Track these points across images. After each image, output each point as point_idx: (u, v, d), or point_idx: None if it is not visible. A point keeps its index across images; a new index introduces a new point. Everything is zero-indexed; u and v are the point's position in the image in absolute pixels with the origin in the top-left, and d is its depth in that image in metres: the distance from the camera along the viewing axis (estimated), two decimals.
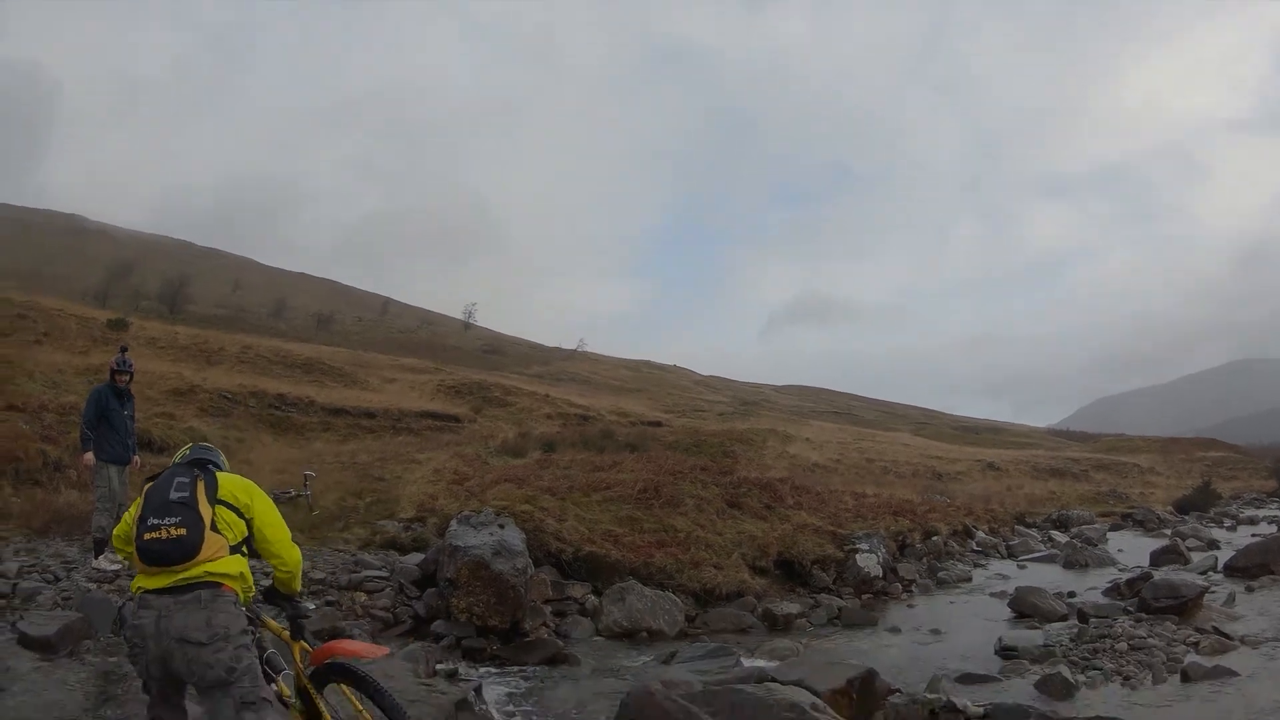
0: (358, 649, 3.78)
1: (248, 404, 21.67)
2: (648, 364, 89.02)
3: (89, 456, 8.14)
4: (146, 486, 3.57)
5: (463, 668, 7.83)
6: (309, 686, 3.74)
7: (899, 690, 6.71)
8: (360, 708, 3.75)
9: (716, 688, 5.93)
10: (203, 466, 3.69)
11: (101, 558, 8.09)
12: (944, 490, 25.87)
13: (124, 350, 8.87)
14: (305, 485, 11.96)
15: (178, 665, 3.25)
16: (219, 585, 3.32)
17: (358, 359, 37.13)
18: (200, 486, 3.46)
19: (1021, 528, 19.66)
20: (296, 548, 3.71)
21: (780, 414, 54.30)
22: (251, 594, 3.56)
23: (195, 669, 3.24)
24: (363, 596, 8.87)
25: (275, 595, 3.84)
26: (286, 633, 3.91)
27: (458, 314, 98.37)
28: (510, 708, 6.77)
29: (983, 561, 15.56)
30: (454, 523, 9.83)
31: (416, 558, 9.93)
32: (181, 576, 3.28)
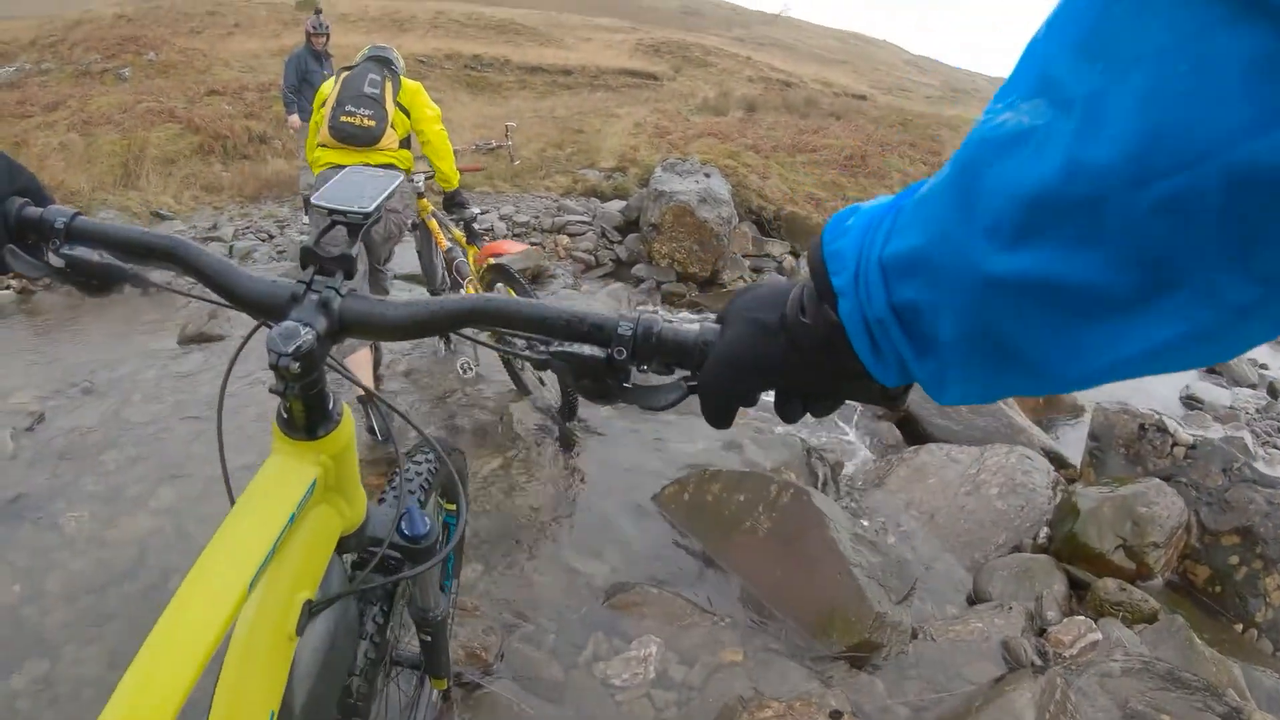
0: (504, 247, 4.09)
1: (443, 66, 21.45)
2: (856, 36, 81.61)
3: (294, 118, 8.07)
4: (343, 74, 4.00)
5: (662, 310, 7.78)
6: (478, 286, 4.18)
7: (1083, 407, 6.52)
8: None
9: None
10: (386, 65, 4.08)
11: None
12: None
13: (318, 12, 8.47)
14: (506, 136, 11.72)
15: (377, 225, 3.69)
16: (397, 168, 3.91)
17: (552, 19, 35.76)
18: (388, 87, 3.93)
19: None
20: (443, 130, 4.08)
21: None
22: (412, 169, 4.16)
23: (390, 229, 4.00)
24: (565, 239, 8.81)
25: (450, 203, 4.30)
26: (464, 237, 4.42)
27: None
28: None
29: None
30: (658, 169, 9.38)
31: (618, 204, 9.69)
32: (370, 158, 3.85)
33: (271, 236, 8.19)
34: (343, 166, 3.54)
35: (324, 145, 3.93)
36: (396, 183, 0.95)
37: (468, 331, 0.87)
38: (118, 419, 4.12)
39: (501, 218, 9.04)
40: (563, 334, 0.74)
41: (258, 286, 0.87)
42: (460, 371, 4.25)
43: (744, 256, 9.38)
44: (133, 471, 3.61)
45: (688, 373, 0.71)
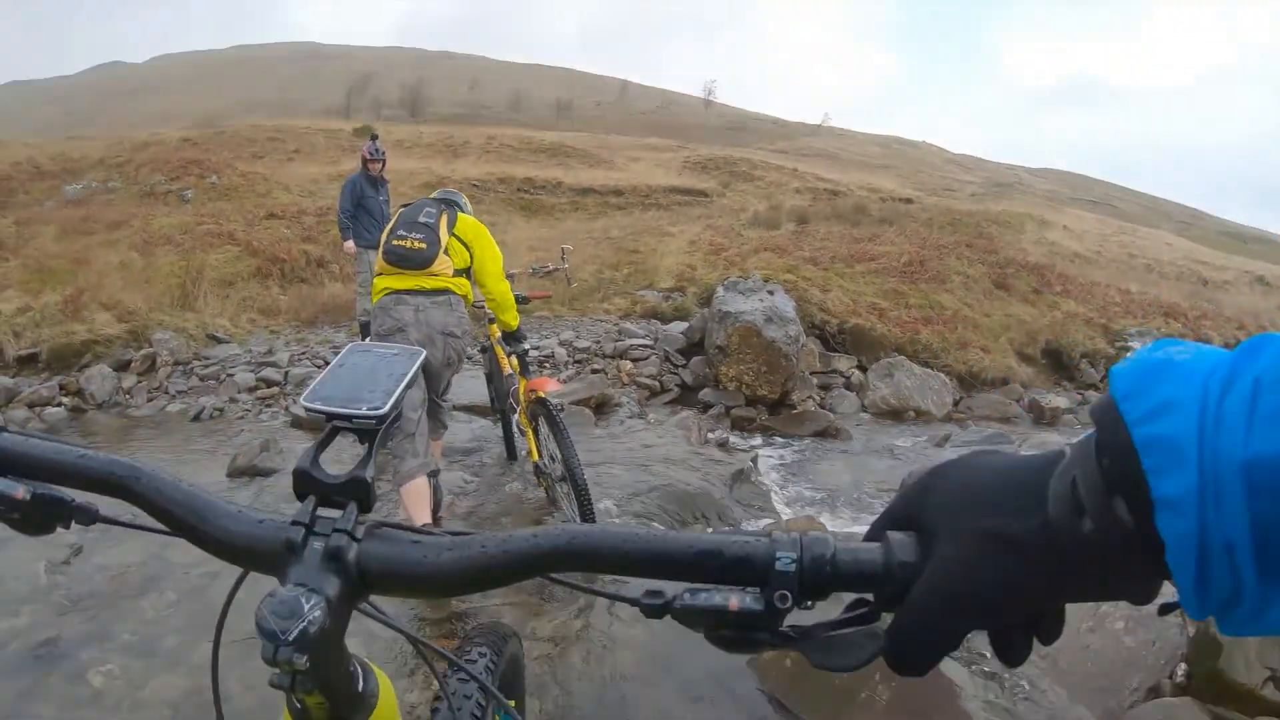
0: (546, 385, 4.17)
1: (497, 190, 22.03)
2: (896, 140, 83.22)
3: (350, 244, 8.09)
4: (401, 208, 4.16)
5: (733, 437, 7.45)
6: (524, 418, 4.39)
7: None
8: (549, 437, 4.22)
9: None
10: (449, 204, 4.25)
11: (369, 339, 8.17)
12: (1210, 299, 22.23)
13: (374, 138, 8.61)
14: (562, 259, 11.73)
15: (436, 351, 3.95)
16: (454, 293, 4.01)
17: (600, 141, 36.88)
18: (443, 219, 4.04)
19: None
20: (506, 282, 4.20)
21: (1035, 199, 49.32)
22: (470, 299, 4.22)
23: (449, 355, 4.02)
24: (628, 365, 8.60)
25: (509, 337, 4.41)
26: (518, 368, 4.52)
27: (697, 93, 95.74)
28: (784, 480, 6.27)
29: None
30: (720, 289, 9.21)
31: (680, 326, 9.49)
32: (424, 282, 3.92)
33: (327, 363, 8.08)
34: (399, 291, 3.94)
35: (380, 272, 4.07)
36: (418, 363, 0.72)
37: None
38: (159, 558, 3.88)
39: (562, 343, 8.88)
40: (692, 574, 0.54)
41: (240, 529, 0.64)
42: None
43: (811, 374, 9.07)
44: (172, 620, 3.35)
45: (864, 596, 0.53)
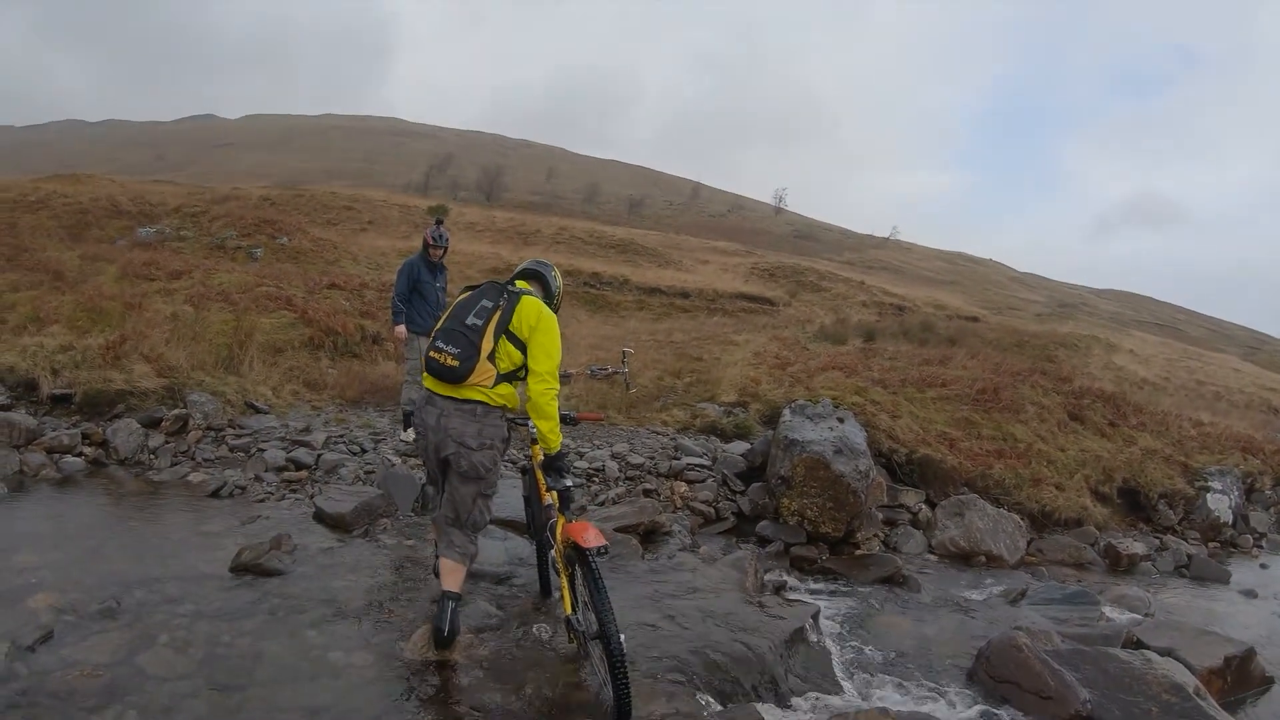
0: (588, 535, 3.73)
1: (563, 282, 22.08)
2: (962, 256, 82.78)
3: (400, 329, 7.83)
4: (461, 296, 4.01)
5: (791, 579, 6.86)
6: (560, 561, 4.03)
7: (1273, 678, 5.64)
8: (584, 591, 3.89)
9: (1085, 648, 5.08)
10: (536, 278, 4.22)
11: (410, 430, 7.71)
12: None
13: (439, 222, 8.40)
14: (623, 362, 11.41)
15: (448, 455, 3.91)
16: (485, 404, 3.88)
17: (670, 240, 37.12)
18: (495, 319, 3.84)
19: None
20: (550, 385, 3.89)
21: (1099, 319, 48.41)
22: (515, 407, 4.06)
23: (462, 463, 3.91)
24: (683, 487, 8.09)
25: (548, 467, 4.10)
26: (556, 503, 4.14)
27: (767, 198, 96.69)
28: (846, 638, 5.63)
29: None
30: (787, 412, 8.74)
31: (740, 446, 9.00)
32: (456, 392, 3.85)
33: (364, 451, 7.69)
34: (437, 396, 3.93)
35: (424, 370, 3.96)
36: None
37: None
38: (131, 665, 3.56)
39: (614, 456, 8.46)
40: None
41: None
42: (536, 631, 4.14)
43: (876, 508, 8.48)
44: None
45: None
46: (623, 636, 3.54)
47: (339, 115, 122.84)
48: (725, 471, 8.42)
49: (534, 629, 4.44)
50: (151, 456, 7.16)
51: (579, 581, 3.93)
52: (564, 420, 4.41)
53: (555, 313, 4.19)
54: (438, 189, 63.10)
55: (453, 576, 3.99)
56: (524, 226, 31.52)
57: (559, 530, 4.03)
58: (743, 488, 8.27)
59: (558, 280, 4.38)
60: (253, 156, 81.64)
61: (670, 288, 23.40)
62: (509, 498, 6.69)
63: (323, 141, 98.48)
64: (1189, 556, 9.08)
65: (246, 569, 4.78)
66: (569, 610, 3.99)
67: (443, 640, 3.90)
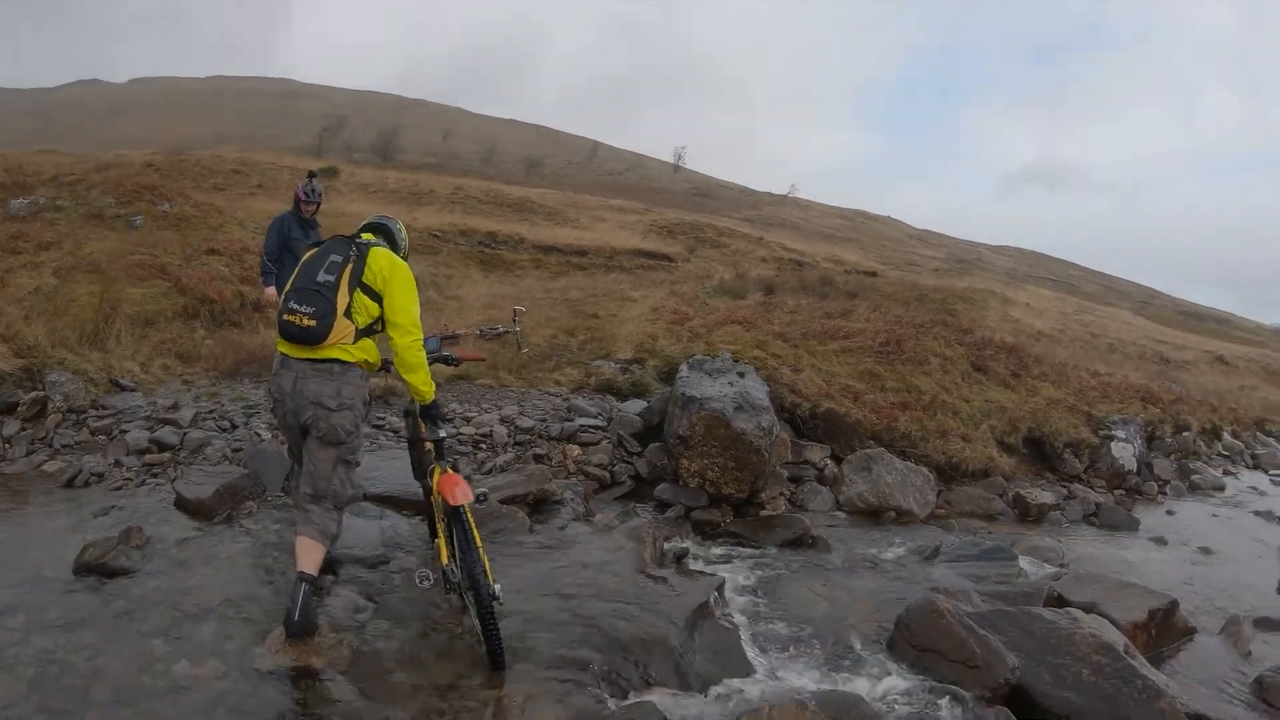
0: (456, 490, 3.69)
1: (457, 241, 21.15)
2: (860, 213, 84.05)
3: (270, 291, 6.99)
4: (306, 255, 3.84)
5: (693, 546, 6.38)
6: (436, 511, 4.04)
7: (1195, 629, 5.54)
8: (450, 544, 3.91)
9: (1008, 609, 4.82)
10: (381, 230, 4.08)
11: None
12: (1174, 379, 21.87)
13: (312, 176, 7.55)
14: (514, 321, 10.70)
15: (307, 420, 3.73)
16: (344, 361, 3.70)
17: (567, 199, 36.26)
18: (347, 271, 3.67)
19: (1262, 435, 16.09)
20: (415, 336, 3.76)
21: (995, 275, 49.93)
22: (376, 368, 3.94)
23: (321, 427, 3.72)
24: (576, 450, 7.50)
25: (426, 413, 4.00)
26: (433, 451, 4.10)
27: (666, 157, 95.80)
28: (755, 610, 5.14)
29: (1231, 469, 12.70)
30: (684, 367, 8.21)
31: (636, 405, 8.44)
32: (314, 354, 3.67)
33: (234, 427, 6.96)
34: (291, 359, 3.73)
35: (279, 335, 3.74)
36: None
37: None
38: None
39: (503, 420, 7.81)
40: None
41: None
42: (418, 581, 4.00)
43: (781, 465, 8.08)
44: None
45: None
46: (498, 586, 3.56)
47: (230, 77, 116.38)
48: (621, 432, 7.87)
49: (413, 622, 4.01)
50: (6, 446, 6.42)
51: (456, 535, 3.83)
52: (444, 362, 4.57)
53: None
54: (331, 151, 60.23)
55: (309, 557, 3.68)
56: (418, 186, 30.27)
57: (435, 483, 3.96)
58: (640, 449, 7.74)
59: (403, 234, 4.27)
60: (143, 122, 76.51)
61: (567, 246, 22.71)
62: (386, 471, 6.15)
63: (212, 105, 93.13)
64: (1097, 505, 9.08)
65: (91, 569, 4.17)
66: (443, 560, 3.97)
67: (294, 629, 3.52)
